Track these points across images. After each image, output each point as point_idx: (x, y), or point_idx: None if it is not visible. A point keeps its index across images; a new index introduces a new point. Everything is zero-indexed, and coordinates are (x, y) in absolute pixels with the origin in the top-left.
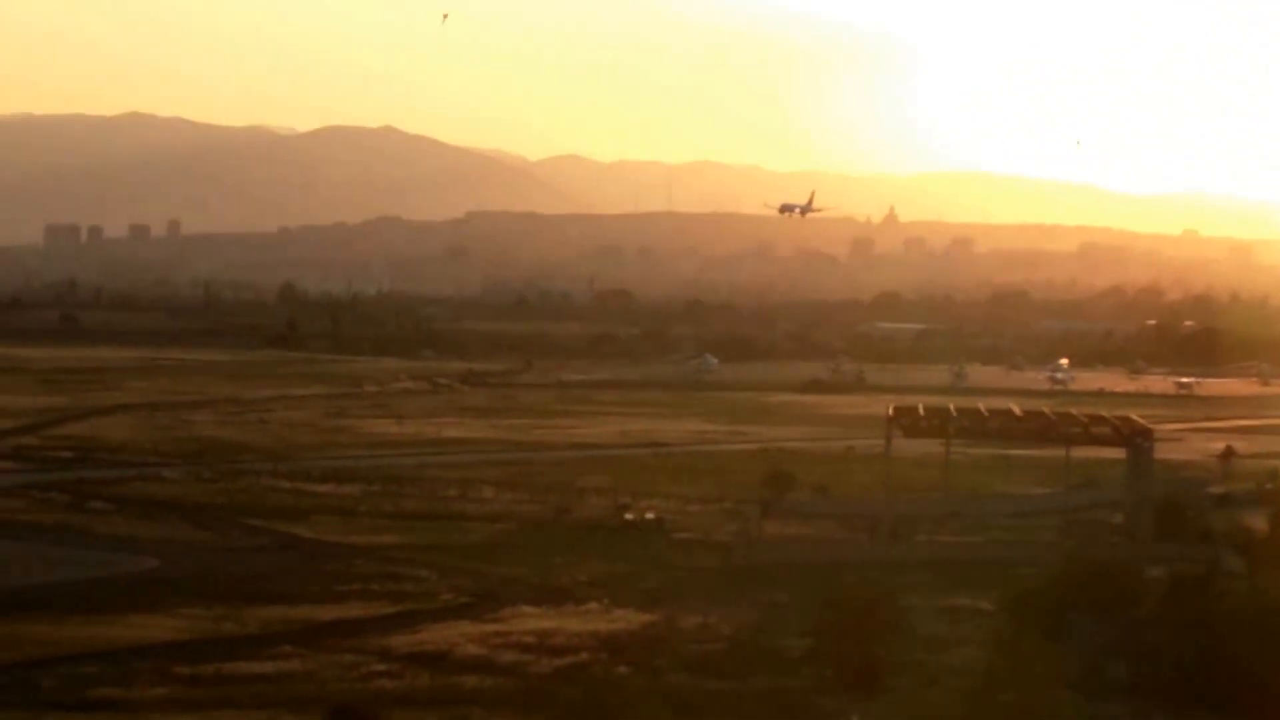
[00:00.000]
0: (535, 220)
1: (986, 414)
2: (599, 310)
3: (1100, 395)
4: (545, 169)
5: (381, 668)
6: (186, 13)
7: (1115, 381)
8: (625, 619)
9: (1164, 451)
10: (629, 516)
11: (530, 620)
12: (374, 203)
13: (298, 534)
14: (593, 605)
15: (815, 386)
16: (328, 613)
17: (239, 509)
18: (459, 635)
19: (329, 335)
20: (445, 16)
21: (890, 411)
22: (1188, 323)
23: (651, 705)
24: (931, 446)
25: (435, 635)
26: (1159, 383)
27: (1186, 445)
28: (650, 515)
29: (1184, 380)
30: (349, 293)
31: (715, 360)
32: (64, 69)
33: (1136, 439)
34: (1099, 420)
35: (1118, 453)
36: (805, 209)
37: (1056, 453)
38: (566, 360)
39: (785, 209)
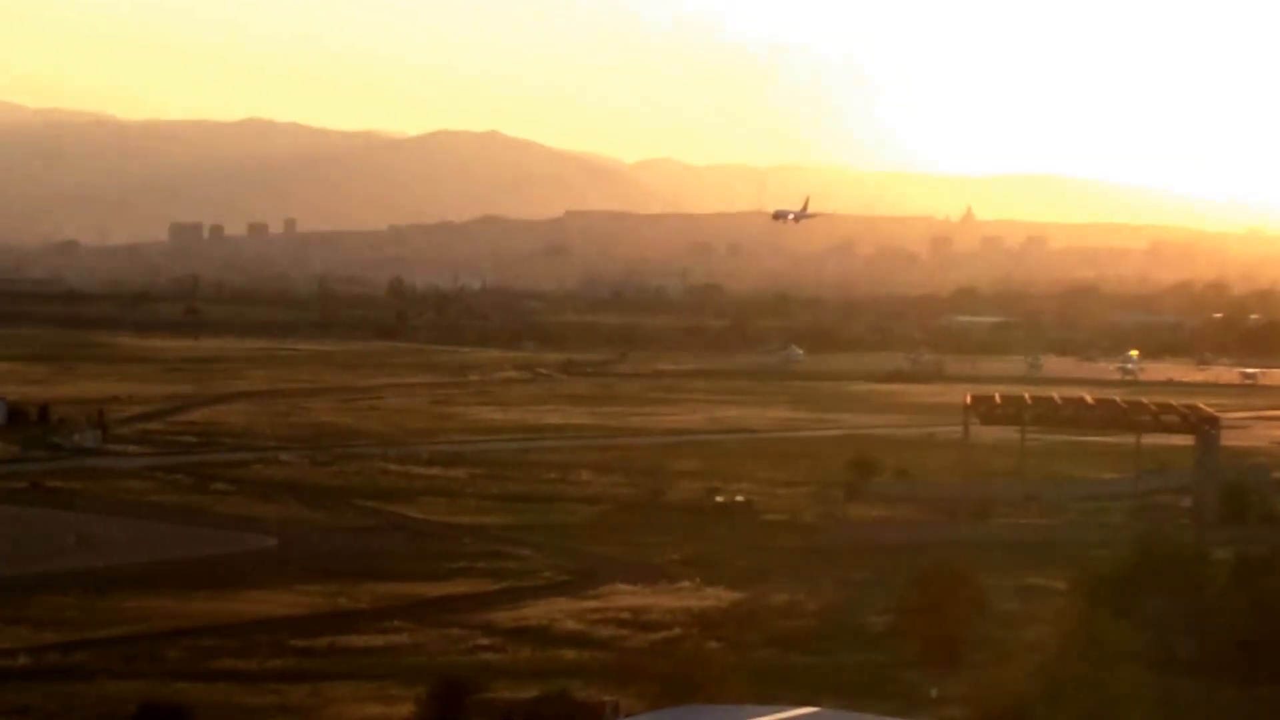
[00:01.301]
0: (630, 219)
1: (1060, 402)
2: (691, 304)
3: (1169, 385)
4: (640, 171)
5: (485, 641)
6: (303, 24)
7: (1183, 372)
8: (716, 596)
9: (1230, 438)
10: (720, 499)
11: (626, 597)
12: (478, 202)
13: (407, 515)
14: (685, 583)
15: (896, 376)
16: (435, 589)
17: (352, 491)
18: (558, 611)
19: (436, 327)
20: None
21: (968, 400)
22: (1253, 316)
23: (741, 679)
24: (1007, 433)
25: (536, 611)
26: (1225, 373)
27: (1251, 432)
28: (740, 498)
29: (1249, 371)
30: (455, 287)
31: (801, 351)
32: (189, 78)
33: (1203, 426)
34: (1168, 408)
35: (1186, 439)
36: (799, 215)
37: (1127, 439)
38: (660, 351)
39: (779, 215)
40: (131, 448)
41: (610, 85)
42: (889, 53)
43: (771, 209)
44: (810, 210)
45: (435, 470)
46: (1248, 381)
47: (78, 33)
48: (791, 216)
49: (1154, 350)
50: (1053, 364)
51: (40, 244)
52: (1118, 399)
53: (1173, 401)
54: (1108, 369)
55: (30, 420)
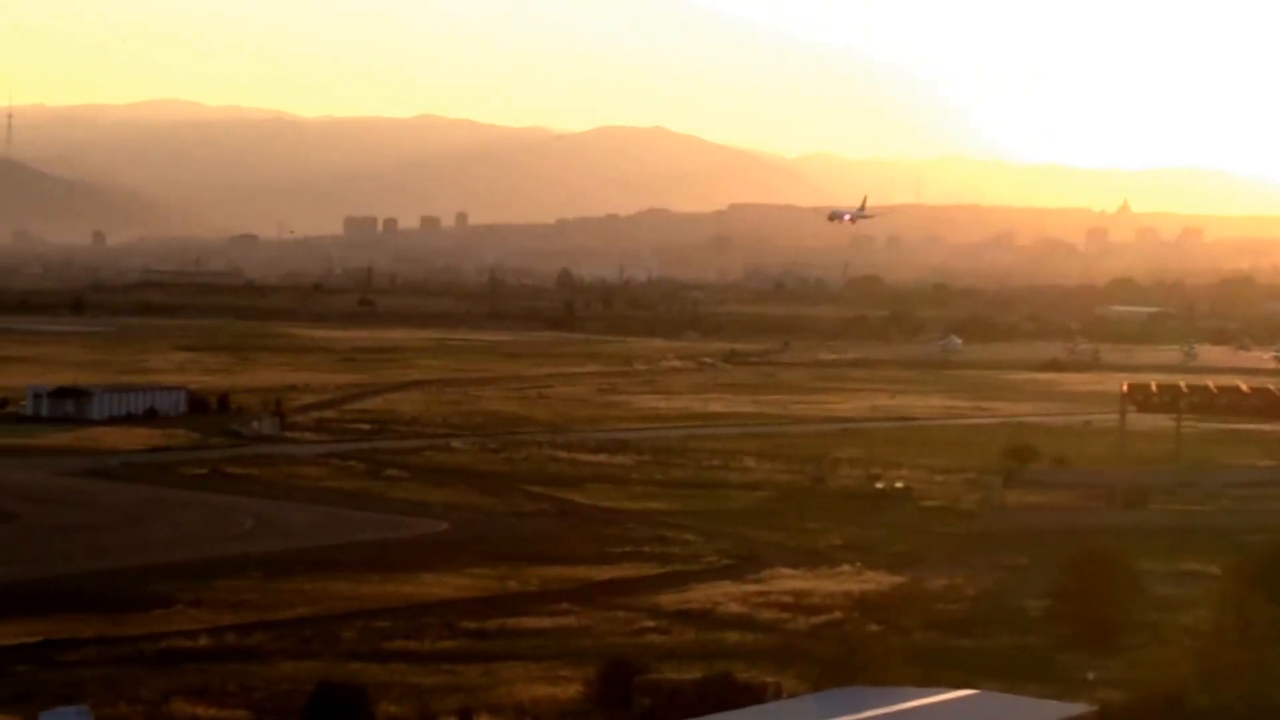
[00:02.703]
0: (792, 212)
1: (1215, 391)
2: (851, 294)
3: None
4: (801, 165)
5: (651, 624)
6: (474, 23)
7: None
8: (876, 580)
9: None
10: (880, 485)
11: (788, 581)
12: (644, 196)
13: (574, 500)
14: (846, 567)
15: (1053, 365)
16: (602, 573)
17: (521, 477)
18: (722, 594)
19: (602, 318)
20: None
21: (1124, 388)
22: None
23: (900, 661)
24: (1163, 421)
25: (700, 594)
26: None
27: None
28: (900, 484)
29: None
30: (621, 279)
31: (959, 341)
32: (363, 76)
33: None
34: None
35: None
36: (856, 215)
37: None
38: (821, 340)
39: (834, 216)
40: (308, 435)
41: (771, 81)
42: (1046, 47)
43: (925, 201)
44: (868, 210)
45: (602, 457)
46: None
47: (256, 34)
48: (848, 217)
49: None
50: (1208, 353)
51: (219, 237)
52: (1272, 387)
53: None
54: (1262, 358)
55: (210, 408)
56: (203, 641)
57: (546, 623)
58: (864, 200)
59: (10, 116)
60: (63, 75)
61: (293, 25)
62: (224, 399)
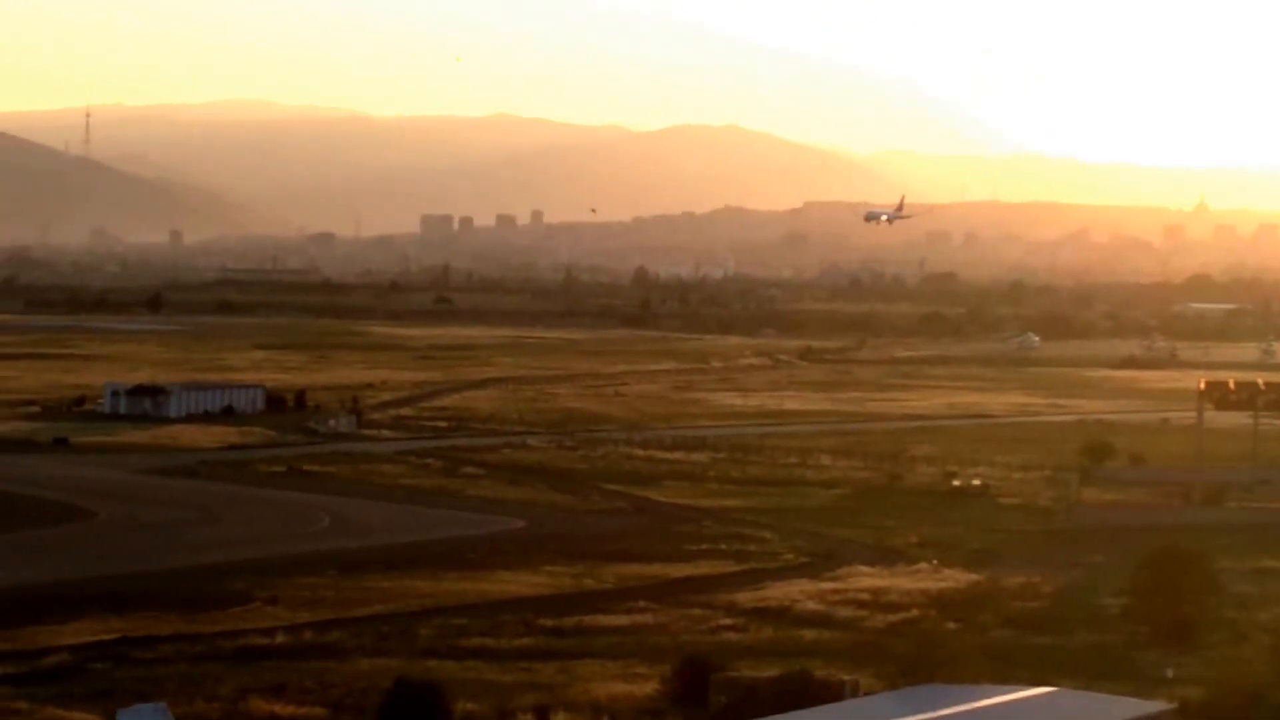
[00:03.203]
0: (867, 209)
1: None
2: (927, 291)
3: None
4: (875, 162)
5: (728, 621)
6: (549, 21)
7: None
8: (953, 578)
9: None
10: (956, 483)
11: (865, 579)
12: (719, 194)
13: (651, 497)
14: (923, 565)
15: (1130, 363)
16: (678, 570)
17: (597, 474)
18: (799, 592)
19: (678, 315)
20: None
21: (1201, 386)
22: None
23: (977, 659)
24: (1240, 419)
25: (777, 592)
26: None
27: None
28: (976, 482)
29: None
30: (697, 276)
31: (1036, 338)
32: (439, 75)
33: None
34: None
35: None
36: (894, 215)
37: None
38: (897, 338)
39: (870, 217)
40: (385, 432)
41: (845, 80)
42: (1123, 47)
43: (1001, 199)
44: (905, 211)
45: (678, 454)
46: None
47: (330, 33)
48: (885, 217)
49: None
50: None
51: (296, 235)
52: None
53: None
54: None
55: (287, 406)
56: (280, 639)
57: (623, 620)
58: (902, 200)
59: (88, 116)
60: (139, 75)
61: (367, 23)
62: (301, 396)
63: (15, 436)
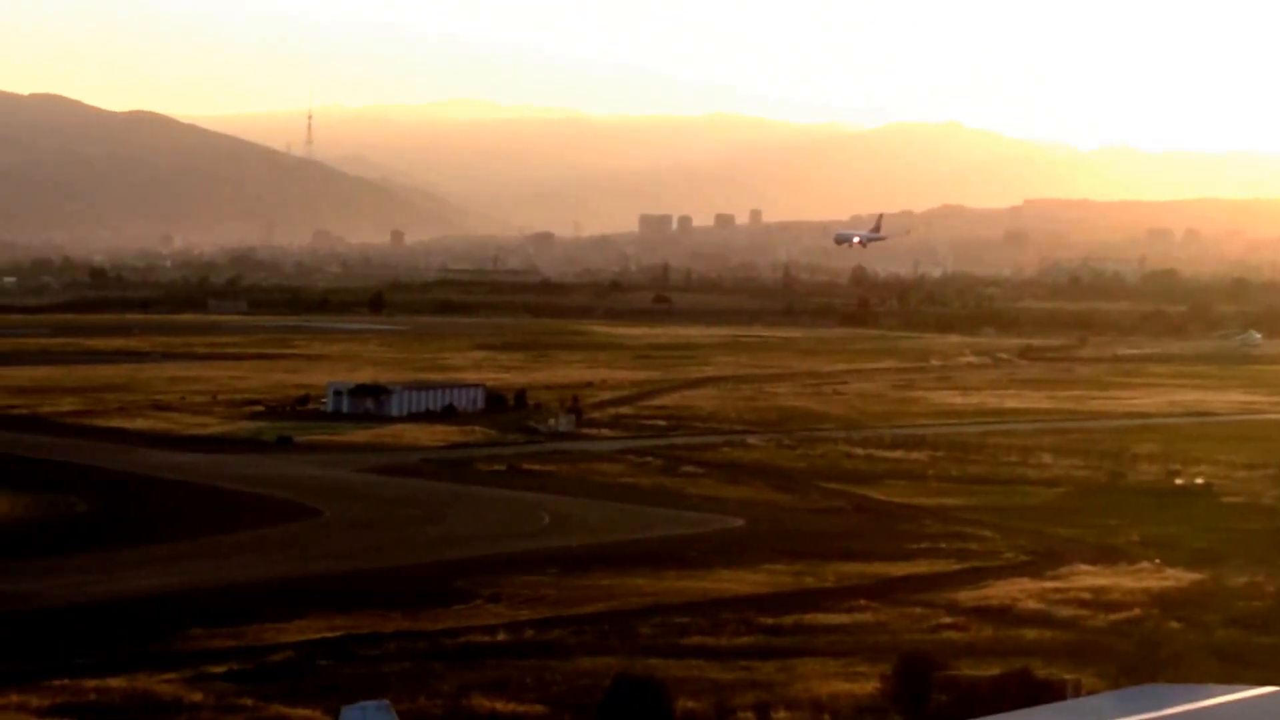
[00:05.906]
0: (1087, 207)
1: None
2: (1148, 289)
3: None
4: (1097, 158)
5: (948, 620)
6: (763, 21)
7: None
8: (1175, 577)
9: None
10: (1179, 481)
11: (1086, 578)
12: (937, 192)
13: (870, 496)
14: (1145, 564)
15: None
16: (899, 569)
17: (816, 473)
18: (1020, 591)
19: (897, 314)
20: None
21: None
22: None
23: (1201, 659)
24: None
25: (998, 591)
26: None
27: None
28: (1199, 480)
29: None
30: (915, 275)
31: (1259, 336)
32: (656, 77)
33: None
34: None
35: None
36: (867, 238)
37: None
38: (1118, 336)
39: (840, 240)
40: (604, 431)
41: (1065, 74)
42: None
43: (1223, 197)
44: (883, 231)
45: (897, 453)
46: None
47: (548, 34)
48: (858, 240)
49: None
50: None
51: (516, 236)
52: None
53: None
54: None
55: (507, 405)
56: (501, 636)
57: (843, 619)
58: (879, 220)
59: (310, 118)
60: (359, 76)
61: (583, 26)
62: (521, 396)
63: (240, 435)
